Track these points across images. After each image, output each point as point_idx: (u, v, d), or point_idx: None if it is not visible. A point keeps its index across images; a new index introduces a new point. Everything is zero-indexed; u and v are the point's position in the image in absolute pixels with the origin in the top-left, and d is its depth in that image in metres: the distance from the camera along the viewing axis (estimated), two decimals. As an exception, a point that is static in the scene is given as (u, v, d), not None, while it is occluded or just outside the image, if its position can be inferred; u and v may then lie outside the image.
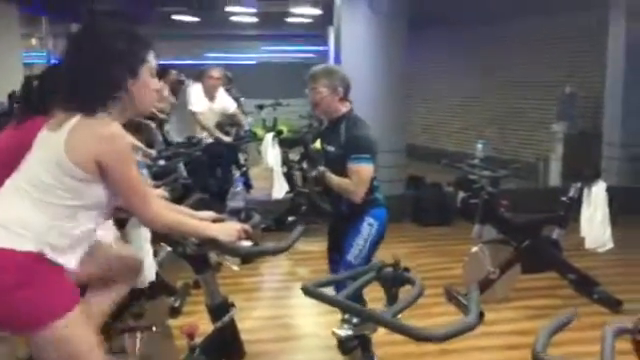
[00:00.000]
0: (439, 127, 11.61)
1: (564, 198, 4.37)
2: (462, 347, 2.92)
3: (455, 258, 5.10)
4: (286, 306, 4.69)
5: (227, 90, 10.35)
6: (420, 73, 11.51)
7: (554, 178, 8.29)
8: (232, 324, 2.14)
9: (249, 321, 3.82)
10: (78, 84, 1.87)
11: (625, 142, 7.07)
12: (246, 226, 2.04)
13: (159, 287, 2.71)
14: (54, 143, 1.81)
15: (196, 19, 11.04)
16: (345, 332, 1.62)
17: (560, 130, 8.40)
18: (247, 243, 2.11)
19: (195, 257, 2.07)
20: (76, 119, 1.82)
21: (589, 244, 4.36)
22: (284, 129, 10.42)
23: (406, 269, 1.76)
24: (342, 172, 3.00)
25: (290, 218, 6.10)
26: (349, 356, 1.67)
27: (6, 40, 7.90)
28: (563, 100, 8.54)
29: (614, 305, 4.23)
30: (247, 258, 2.07)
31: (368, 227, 3.02)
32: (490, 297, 4.27)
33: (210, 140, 5.37)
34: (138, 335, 2.85)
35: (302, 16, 10.90)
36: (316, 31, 12.35)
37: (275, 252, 2.02)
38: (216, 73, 5.70)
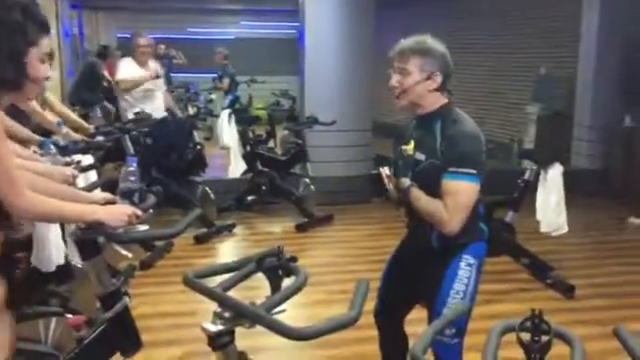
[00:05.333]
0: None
1: (519, 180, 4.25)
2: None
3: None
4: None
5: (224, 66, 10.21)
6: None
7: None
8: (126, 314, 2.00)
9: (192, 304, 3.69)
10: None
11: (594, 124, 6.99)
12: (137, 210, 1.90)
13: (67, 271, 2.54)
14: None
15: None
16: (216, 327, 1.50)
17: (534, 111, 8.27)
18: (143, 227, 1.96)
19: (82, 242, 1.92)
20: None
21: (544, 228, 4.27)
22: (260, 106, 10.29)
23: (292, 258, 1.62)
24: (434, 189, 2.17)
25: (250, 198, 5.98)
26: (222, 352, 1.53)
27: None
28: (538, 81, 8.41)
29: (567, 290, 4.15)
30: (131, 243, 1.92)
31: (467, 269, 2.22)
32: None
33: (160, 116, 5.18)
34: (53, 322, 2.71)
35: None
36: (295, 6, 12.12)
37: (164, 237, 1.88)
38: (143, 41, 5.41)
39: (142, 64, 5.43)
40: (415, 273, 2.36)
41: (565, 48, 7.99)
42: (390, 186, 2.33)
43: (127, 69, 5.35)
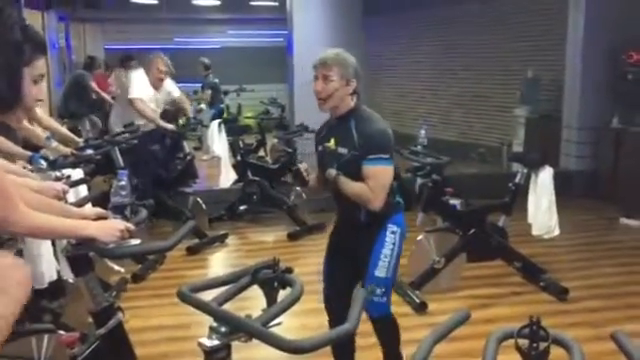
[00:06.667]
0: (406, 111, 11.50)
1: (510, 184, 4.27)
2: (403, 340, 2.78)
3: (410, 246, 4.98)
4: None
5: (205, 77, 10.20)
6: (385, 57, 11.36)
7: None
8: (120, 330, 1.97)
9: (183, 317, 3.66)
10: None
11: (582, 125, 7.03)
12: (129, 224, 1.88)
13: (60, 287, 2.52)
14: None
15: (155, 2, 10.74)
16: (212, 342, 1.48)
17: (522, 114, 8.30)
18: (135, 241, 1.94)
19: (74, 258, 1.90)
20: None
21: (535, 231, 4.28)
22: (250, 115, 10.29)
23: (287, 270, 1.61)
24: (357, 176, 2.60)
25: (241, 207, 5.96)
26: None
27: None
28: (526, 84, 8.45)
29: (560, 293, 4.16)
30: (122, 258, 1.90)
31: (392, 236, 2.68)
32: (435, 287, 4.17)
33: (148, 128, 5.13)
34: (45, 339, 2.67)
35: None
36: (282, 14, 12.14)
37: (157, 252, 1.86)
38: (163, 67, 5.25)
39: (156, 87, 5.29)
40: (350, 250, 2.75)
41: (552, 50, 8.05)
42: (309, 178, 2.79)
43: (142, 88, 5.21)
